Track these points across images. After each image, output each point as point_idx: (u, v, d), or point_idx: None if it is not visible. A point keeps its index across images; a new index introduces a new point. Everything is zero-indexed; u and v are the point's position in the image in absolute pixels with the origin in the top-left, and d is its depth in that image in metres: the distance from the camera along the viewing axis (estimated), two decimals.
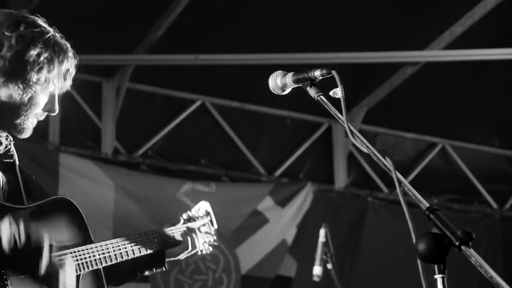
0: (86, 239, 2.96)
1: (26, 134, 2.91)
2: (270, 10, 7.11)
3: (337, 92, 2.52)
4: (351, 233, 8.33)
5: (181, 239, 3.32)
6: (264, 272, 7.86)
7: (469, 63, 7.55)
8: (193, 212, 3.47)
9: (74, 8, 6.72)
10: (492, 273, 2.04)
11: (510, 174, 9.24)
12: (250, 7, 7.06)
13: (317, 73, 2.61)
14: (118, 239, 3.07)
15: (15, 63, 2.80)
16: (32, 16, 2.90)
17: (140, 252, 3.12)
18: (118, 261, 3.03)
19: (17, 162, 2.93)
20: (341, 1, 7.07)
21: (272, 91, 2.76)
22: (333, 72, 2.55)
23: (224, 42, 7.35)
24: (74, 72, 2.95)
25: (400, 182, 2.25)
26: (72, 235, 2.92)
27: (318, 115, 8.52)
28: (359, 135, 2.42)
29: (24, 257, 2.68)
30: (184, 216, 3.42)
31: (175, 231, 3.32)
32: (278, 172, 8.36)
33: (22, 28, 2.81)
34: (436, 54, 7.57)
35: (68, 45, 2.94)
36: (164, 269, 3.27)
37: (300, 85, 2.68)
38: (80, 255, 2.89)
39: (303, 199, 8.12)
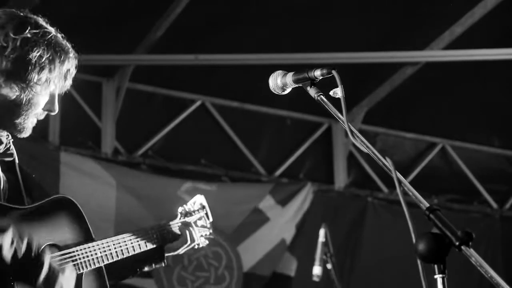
0: (87, 237, 2.98)
1: (26, 133, 2.92)
2: (270, 10, 7.10)
3: (337, 92, 2.52)
4: (351, 233, 8.33)
5: (179, 233, 3.35)
6: (264, 271, 7.88)
7: (469, 63, 7.55)
8: (189, 206, 3.50)
9: (74, 8, 6.72)
10: (492, 273, 2.04)
11: (510, 174, 9.23)
12: (250, 7, 7.06)
13: (317, 73, 2.61)
14: (118, 236, 3.10)
15: (17, 64, 2.81)
16: (35, 16, 2.91)
17: (140, 248, 3.15)
18: (119, 258, 3.05)
19: (16, 161, 2.95)
20: (341, 1, 7.07)
21: (272, 91, 2.76)
22: (333, 72, 2.56)
23: (224, 42, 7.35)
24: (74, 72, 2.97)
25: (400, 182, 2.25)
26: (73, 234, 2.94)
27: (318, 115, 8.51)
28: (359, 135, 2.42)
29: (24, 266, 2.70)
30: (181, 210, 3.45)
31: (173, 226, 3.35)
32: (278, 172, 8.36)
33: (27, 31, 2.82)
34: (436, 54, 7.57)
35: (69, 46, 2.95)
36: (163, 264, 3.30)
37: (300, 85, 2.68)
38: (82, 253, 2.91)
39: (303, 199, 8.13)
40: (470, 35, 7.28)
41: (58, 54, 2.88)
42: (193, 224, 3.42)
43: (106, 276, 3.00)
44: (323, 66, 2.61)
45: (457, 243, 2.06)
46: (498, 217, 9.03)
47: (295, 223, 8.05)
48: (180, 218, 3.41)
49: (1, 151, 2.88)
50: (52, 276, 2.77)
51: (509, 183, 9.19)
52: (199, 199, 3.56)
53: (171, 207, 3.53)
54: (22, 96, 2.83)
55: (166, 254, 3.30)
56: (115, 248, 3.04)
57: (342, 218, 8.34)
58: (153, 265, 3.28)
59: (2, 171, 2.86)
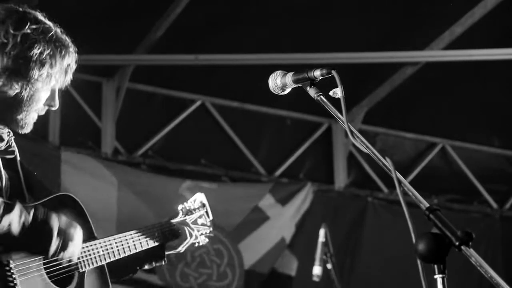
0: (89, 236, 2.98)
1: (27, 129, 2.91)
2: (270, 10, 7.10)
3: (337, 92, 2.52)
4: (351, 233, 8.33)
5: (180, 231, 3.34)
6: (263, 268, 7.90)
7: (469, 63, 7.55)
8: (189, 204, 3.50)
9: (74, 8, 6.72)
10: (492, 273, 2.04)
11: (510, 174, 9.23)
12: (250, 7, 7.06)
13: (317, 73, 2.61)
14: (120, 235, 3.09)
15: (18, 60, 2.80)
16: (33, 11, 2.90)
17: (142, 246, 3.15)
18: (121, 256, 3.05)
19: (18, 158, 2.94)
20: (341, 1, 7.07)
21: (272, 91, 2.76)
22: (333, 72, 2.56)
23: (224, 42, 7.35)
24: (75, 66, 2.96)
25: (400, 182, 2.25)
26: None
27: (318, 115, 8.51)
28: (359, 135, 2.42)
29: (33, 235, 2.70)
30: (181, 208, 3.45)
31: (174, 224, 3.34)
32: (278, 172, 8.36)
33: (26, 26, 2.82)
34: (436, 54, 7.57)
35: (69, 40, 2.95)
36: (163, 262, 3.29)
37: (300, 85, 2.68)
38: (84, 252, 2.91)
39: (303, 199, 8.14)
40: (470, 35, 7.28)
41: (59, 49, 2.87)
42: (193, 222, 3.42)
43: (108, 275, 3.00)
44: (323, 66, 2.61)
45: (457, 243, 2.06)
46: (498, 217, 9.02)
47: (295, 222, 8.06)
48: (180, 216, 3.41)
49: (2, 148, 2.88)
50: (64, 236, 2.76)
51: (509, 183, 9.18)
52: (199, 197, 3.55)
53: (172, 205, 3.53)
54: (23, 93, 2.83)
55: (167, 252, 3.30)
56: (117, 246, 3.03)
57: (342, 218, 8.34)
58: (154, 263, 3.28)
59: (3, 168, 2.85)
